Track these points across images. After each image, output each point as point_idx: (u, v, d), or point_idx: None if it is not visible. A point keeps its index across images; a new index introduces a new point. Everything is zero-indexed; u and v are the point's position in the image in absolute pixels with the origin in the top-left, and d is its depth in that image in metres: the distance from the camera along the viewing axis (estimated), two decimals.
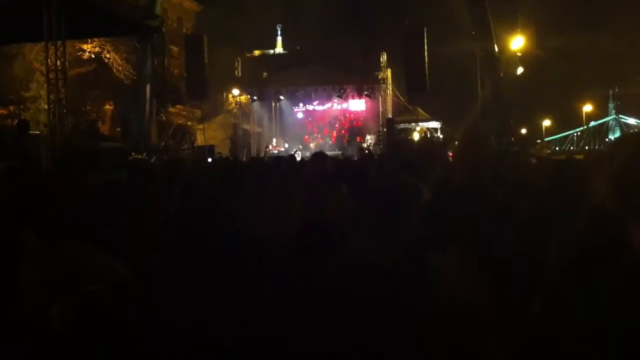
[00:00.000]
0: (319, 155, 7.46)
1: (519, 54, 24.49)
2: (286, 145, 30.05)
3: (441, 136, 28.39)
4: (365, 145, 28.17)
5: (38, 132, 13.12)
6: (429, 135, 28.74)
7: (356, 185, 4.25)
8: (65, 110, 12.26)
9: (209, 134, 28.05)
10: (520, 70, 24.08)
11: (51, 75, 12.08)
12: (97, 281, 1.61)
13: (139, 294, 1.74)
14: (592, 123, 50.86)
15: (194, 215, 3.15)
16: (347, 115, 32.60)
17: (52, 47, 11.57)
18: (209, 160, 17.42)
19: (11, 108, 24.37)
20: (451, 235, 2.69)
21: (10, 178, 3.81)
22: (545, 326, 2.08)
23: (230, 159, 17.39)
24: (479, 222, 2.96)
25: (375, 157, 17.15)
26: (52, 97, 12.60)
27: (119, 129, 26.38)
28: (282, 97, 30.83)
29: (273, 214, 3.48)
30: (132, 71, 26.79)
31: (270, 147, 29.18)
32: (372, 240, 2.66)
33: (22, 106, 24.36)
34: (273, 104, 32.27)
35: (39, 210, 2.45)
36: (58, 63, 11.76)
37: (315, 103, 32.01)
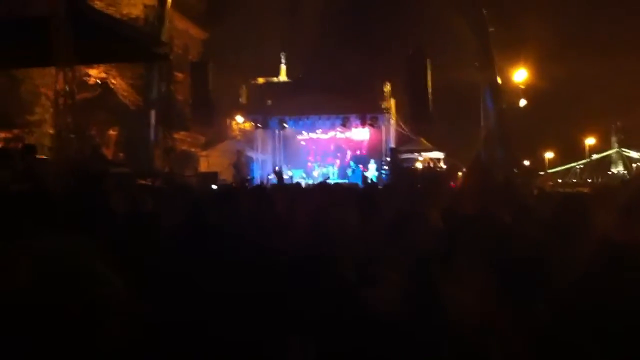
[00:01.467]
0: (324, 186, 7.52)
1: (522, 86, 24.65)
2: (289, 173, 30.08)
3: (444, 166, 28.42)
4: (367, 174, 28.23)
5: (45, 157, 13.14)
6: (432, 165, 28.77)
7: (364, 213, 4.27)
8: (73, 135, 12.34)
9: (212, 160, 28.14)
10: (523, 102, 24.22)
11: (59, 100, 12.18)
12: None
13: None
14: (595, 156, 50.89)
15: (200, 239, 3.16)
16: (351, 144, 32.71)
17: (61, 72, 11.68)
18: (214, 187, 17.42)
19: (15, 131, 24.45)
20: (459, 261, 2.70)
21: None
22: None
23: (233, 185, 17.45)
24: (486, 250, 2.97)
25: (380, 186, 17.18)
26: (58, 121, 12.70)
27: (121, 154, 26.47)
28: (286, 125, 30.96)
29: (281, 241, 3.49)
30: (137, 96, 26.97)
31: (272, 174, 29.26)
32: (382, 267, 2.67)
33: (27, 130, 24.45)
34: (277, 132, 32.40)
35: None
36: (67, 88, 11.86)
37: (319, 131, 32.15)
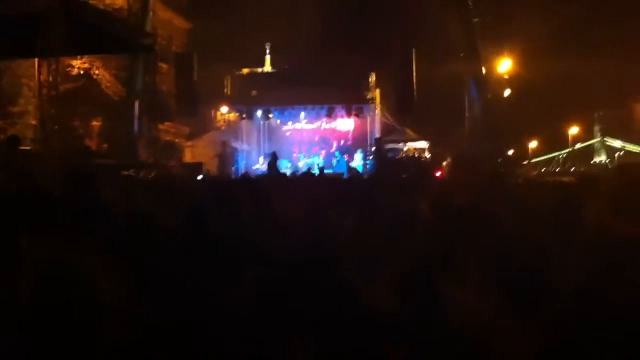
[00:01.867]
0: (307, 175, 7.54)
1: (506, 76, 24.75)
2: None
3: (429, 155, 28.51)
4: (352, 164, 28.27)
5: (29, 148, 13.06)
6: (416, 155, 28.83)
7: (349, 204, 4.29)
8: (56, 127, 12.25)
9: (197, 151, 28.07)
10: (507, 92, 24.33)
11: (42, 91, 12.07)
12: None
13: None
14: (578, 145, 51.27)
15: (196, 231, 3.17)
16: (336, 134, 32.72)
17: (45, 63, 11.58)
18: (199, 177, 17.38)
19: None
20: (450, 255, 2.71)
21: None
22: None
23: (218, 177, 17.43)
24: (475, 241, 2.98)
25: (365, 176, 17.22)
26: (41, 113, 12.60)
27: (105, 145, 26.30)
28: (271, 115, 30.90)
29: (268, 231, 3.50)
30: (120, 87, 26.80)
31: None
32: (372, 260, 2.68)
33: (9, 121, 24.23)
34: (262, 122, 32.33)
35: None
36: (50, 79, 11.76)
37: (304, 122, 32.12)
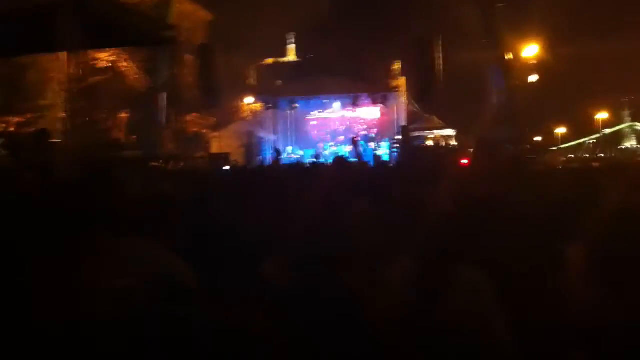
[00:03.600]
0: (339, 160, 7.56)
1: (533, 62, 24.47)
2: (301, 152, 30.12)
3: (456, 143, 28.36)
4: (379, 153, 28.18)
5: (58, 140, 13.21)
6: (442, 144, 28.69)
7: (375, 192, 4.30)
8: (85, 119, 12.42)
9: (223, 142, 28.21)
10: (534, 77, 24.06)
11: (70, 85, 12.20)
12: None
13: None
14: (607, 130, 50.59)
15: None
16: (361, 123, 32.65)
17: (72, 56, 11.70)
18: (226, 168, 17.47)
19: (28, 116, 24.57)
20: (471, 246, 2.71)
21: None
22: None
23: (247, 167, 17.51)
24: (497, 232, 2.98)
25: (391, 164, 17.13)
26: (69, 105, 12.73)
27: (134, 136, 26.56)
28: (296, 105, 30.92)
29: (294, 219, 3.53)
30: (147, 80, 27.00)
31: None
32: (392, 250, 2.70)
33: (38, 114, 24.56)
34: (287, 112, 32.36)
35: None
36: (78, 72, 11.90)
37: (329, 111, 32.10)
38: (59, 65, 21.06)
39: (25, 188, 4.24)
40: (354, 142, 17.73)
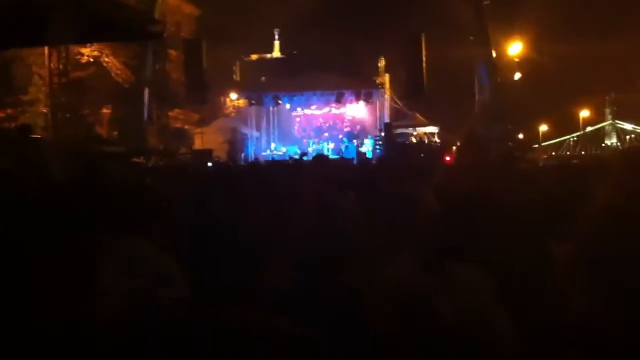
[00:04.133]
0: (320, 158, 7.54)
1: (516, 60, 24.62)
2: (284, 149, 30.10)
3: (439, 140, 28.45)
4: (362, 149, 28.19)
5: (39, 137, 13.13)
6: (426, 141, 28.78)
7: (359, 189, 4.29)
8: (67, 115, 12.33)
9: (207, 138, 28.08)
10: (517, 75, 24.20)
11: (52, 80, 12.13)
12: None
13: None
14: (589, 128, 51.02)
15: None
16: (345, 119, 32.69)
17: (55, 51, 11.63)
18: (209, 164, 17.42)
19: (9, 111, 24.35)
20: (460, 243, 2.70)
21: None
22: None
23: (230, 163, 17.46)
24: (486, 229, 2.98)
25: (373, 161, 17.17)
26: (51, 101, 12.67)
27: (115, 132, 26.40)
28: (280, 102, 30.86)
29: (280, 218, 3.52)
30: (130, 75, 26.83)
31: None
32: (381, 248, 2.69)
33: (20, 109, 24.34)
34: (271, 108, 32.31)
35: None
36: (60, 67, 11.82)
37: (313, 107, 32.08)
38: (41, 60, 20.92)
39: (10, 184, 4.19)
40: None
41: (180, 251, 2.68)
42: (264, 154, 29.20)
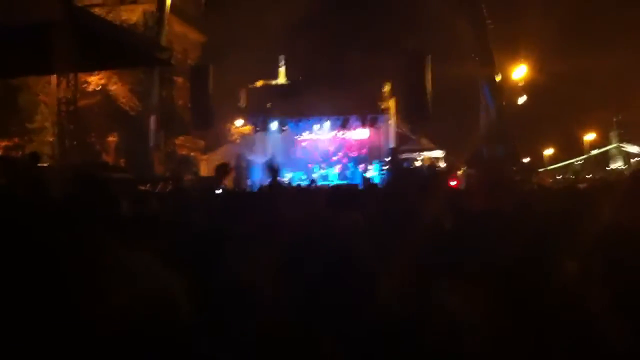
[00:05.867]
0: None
1: (521, 84, 24.65)
2: (290, 175, 30.11)
3: (444, 165, 28.42)
4: (368, 175, 28.14)
5: (47, 165, 13.19)
6: (431, 165, 28.73)
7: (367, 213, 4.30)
8: (74, 143, 12.36)
9: (213, 165, 28.11)
10: (523, 99, 24.22)
11: (60, 108, 12.19)
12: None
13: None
14: (594, 151, 50.86)
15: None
16: (351, 144, 32.69)
17: (63, 79, 11.71)
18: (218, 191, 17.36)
19: (16, 140, 24.49)
20: (467, 263, 2.71)
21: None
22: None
23: (236, 190, 17.46)
24: (496, 248, 2.98)
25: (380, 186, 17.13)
26: (58, 129, 12.70)
27: (122, 159, 26.51)
28: (285, 127, 30.93)
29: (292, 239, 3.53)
30: (136, 102, 27.02)
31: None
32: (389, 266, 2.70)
33: (26, 138, 24.49)
34: (277, 134, 32.35)
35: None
36: (69, 95, 11.89)
37: (318, 133, 32.12)
38: (48, 88, 21.07)
39: (19, 208, 4.21)
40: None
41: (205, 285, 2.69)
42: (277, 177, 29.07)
